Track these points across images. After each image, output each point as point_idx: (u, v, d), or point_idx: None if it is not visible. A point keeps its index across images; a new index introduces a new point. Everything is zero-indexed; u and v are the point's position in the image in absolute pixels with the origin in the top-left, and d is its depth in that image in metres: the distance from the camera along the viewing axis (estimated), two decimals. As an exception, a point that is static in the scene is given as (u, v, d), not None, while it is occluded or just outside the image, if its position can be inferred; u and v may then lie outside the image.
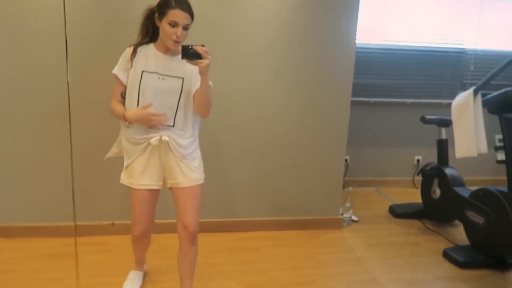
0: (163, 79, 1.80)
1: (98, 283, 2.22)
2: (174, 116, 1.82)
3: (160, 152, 1.86)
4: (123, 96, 1.86)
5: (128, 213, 2.49)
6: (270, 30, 2.70)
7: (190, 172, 1.87)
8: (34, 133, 2.58)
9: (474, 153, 2.44)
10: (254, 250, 2.70)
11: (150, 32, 1.84)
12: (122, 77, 1.84)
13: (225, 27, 2.64)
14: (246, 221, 2.94)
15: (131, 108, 1.82)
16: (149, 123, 1.78)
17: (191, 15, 1.75)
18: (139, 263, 2.26)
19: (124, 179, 1.93)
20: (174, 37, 1.72)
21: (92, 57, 2.51)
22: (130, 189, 1.91)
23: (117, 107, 1.86)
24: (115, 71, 1.85)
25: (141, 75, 1.79)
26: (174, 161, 1.85)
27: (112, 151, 2.05)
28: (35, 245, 2.60)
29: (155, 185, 1.91)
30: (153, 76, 1.80)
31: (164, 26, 1.73)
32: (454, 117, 2.57)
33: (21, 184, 2.64)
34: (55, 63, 2.49)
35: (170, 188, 1.92)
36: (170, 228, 2.76)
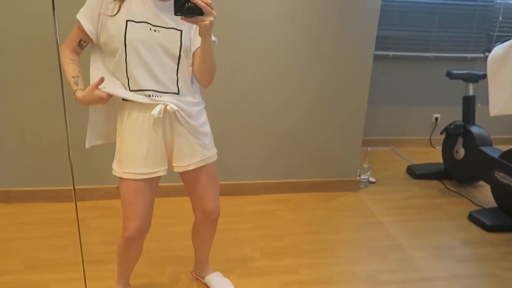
0: (155, 31, 1.36)
1: (103, 251, 2.08)
2: (175, 80, 1.42)
3: (164, 127, 1.44)
4: (82, 45, 1.41)
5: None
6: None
7: (202, 149, 1.52)
8: (30, 93, 2.36)
9: (512, 110, 2.21)
10: (268, 215, 2.55)
11: None
12: (86, 25, 1.36)
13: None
14: (257, 183, 2.77)
15: (120, 74, 1.39)
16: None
17: None
18: (123, 283, 1.71)
19: (116, 168, 1.47)
20: None
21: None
22: (121, 179, 1.46)
23: (69, 69, 1.39)
24: (80, 15, 1.37)
25: (126, 26, 1.34)
26: (183, 137, 1.47)
27: (90, 138, 1.54)
28: (36, 210, 2.46)
29: (158, 171, 1.47)
30: (142, 27, 1.35)
31: None
32: (490, 71, 2.31)
33: (20, 146, 2.45)
34: (42, 14, 2.23)
35: (178, 171, 1.55)
36: (178, 192, 2.62)
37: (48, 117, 2.41)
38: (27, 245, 2.11)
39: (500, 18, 3.64)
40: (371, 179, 3.06)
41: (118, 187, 2.59)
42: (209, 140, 1.56)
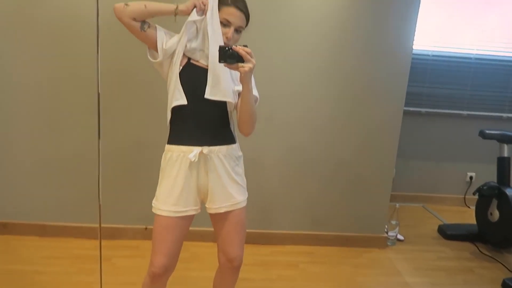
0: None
1: (127, 291, 2.13)
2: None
3: (198, 169, 1.53)
4: (143, 27, 1.48)
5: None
6: (319, 31, 2.53)
7: (234, 193, 1.58)
8: (68, 134, 2.55)
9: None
10: (291, 266, 2.53)
11: None
12: (160, 34, 1.50)
13: (271, 27, 2.50)
14: (283, 233, 2.78)
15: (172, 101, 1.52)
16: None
17: (247, 17, 1.53)
18: None
19: (154, 203, 1.57)
20: (223, 38, 1.48)
21: (122, 55, 2.44)
22: (155, 215, 1.55)
23: (151, 1, 1.48)
24: (161, 30, 1.53)
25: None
26: (216, 181, 1.55)
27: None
28: (68, 245, 2.57)
29: (189, 210, 1.55)
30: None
31: None
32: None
33: (57, 183, 2.61)
34: (86, 62, 2.45)
35: (210, 212, 1.62)
36: (203, 237, 2.66)
37: (85, 158, 2.57)
38: (55, 280, 2.20)
39: (538, 79, 3.60)
40: (399, 237, 2.98)
41: (146, 228, 2.68)
42: (240, 186, 1.62)
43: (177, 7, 1.49)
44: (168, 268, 1.57)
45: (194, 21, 1.50)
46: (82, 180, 2.60)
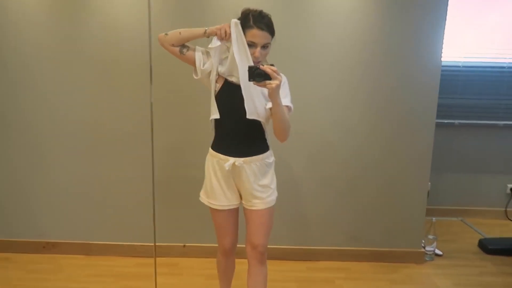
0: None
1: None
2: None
3: (233, 174, 1.79)
4: (182, 51, 1.73)
5: (200, 236, 2.50)
6: (346, 46, 2.58)
7: (263, 194, 1.80)
8: (117, 155, 2.69)
9: None
10: (326, 283, 2.53)
11: None
12: (198, 56, 1.73)
13: (297, 45, 2.57)
14: (318, 249, 2.79)
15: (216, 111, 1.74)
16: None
17: (271, 33, 1.65)
18: None
19: (203, 197, 1.89)
20: (252, 58, 1.64)
21: (175, 81, 2.58)
22: (210, 207, 1.88)
23: (185, 29, 1.72)
24: (199, 50, 1.75)
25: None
26: (247, 185, 1.78)
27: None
28: (112, 263, 2.68)
29: (232, 204, 1.85)
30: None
31: None
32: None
33: (101, 203, 2.75)
34: (139, 88, 2.60)
35: (243, 206, 1.88)
36: (238, 254, 2.71)
37: (130, 180, 2.70)
38: (101, 296, 2.31)
39: None
40: (438, 251, 2.92)
41: (184, 246, 2.76)
42: (269, 188, 1.81)
43: (205, 31, 1.69)
44: (235, 243, 1.94)
45: (215, 48, 1.68)
46: (123, 200, 2.73)
